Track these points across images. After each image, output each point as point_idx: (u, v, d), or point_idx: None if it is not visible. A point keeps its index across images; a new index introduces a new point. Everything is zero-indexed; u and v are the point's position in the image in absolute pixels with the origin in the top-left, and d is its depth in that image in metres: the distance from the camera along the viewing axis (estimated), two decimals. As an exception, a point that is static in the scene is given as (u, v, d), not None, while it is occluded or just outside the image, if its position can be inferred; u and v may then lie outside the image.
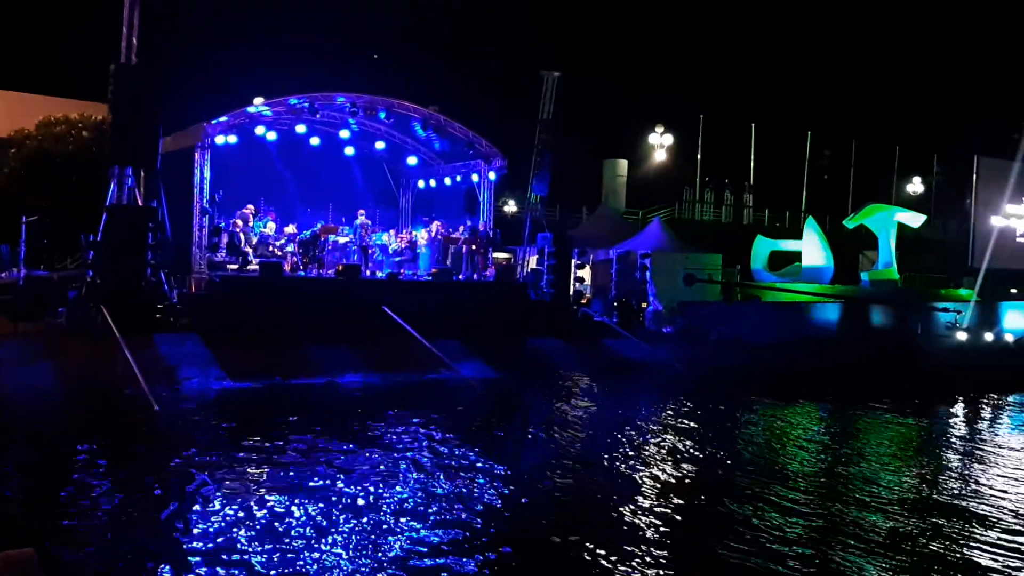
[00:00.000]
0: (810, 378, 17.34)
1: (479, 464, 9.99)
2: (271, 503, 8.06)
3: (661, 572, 6.67)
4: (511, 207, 29.85)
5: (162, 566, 6.38)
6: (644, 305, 23.19)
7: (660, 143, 35.74)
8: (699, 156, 35.77)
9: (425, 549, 6.95)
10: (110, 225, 16.24)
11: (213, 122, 18.47)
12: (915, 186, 38.77)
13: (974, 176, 25.92)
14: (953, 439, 13.47)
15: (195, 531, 7.22)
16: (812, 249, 24.59)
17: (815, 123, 37.61)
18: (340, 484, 8.81)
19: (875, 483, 9.88)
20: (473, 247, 22.12)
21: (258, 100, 19.54)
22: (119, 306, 15.04)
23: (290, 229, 20.63)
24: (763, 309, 21.84)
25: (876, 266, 23.98)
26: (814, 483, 9.92)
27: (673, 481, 9.67)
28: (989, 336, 20.17)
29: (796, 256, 25.25)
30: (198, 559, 6.54)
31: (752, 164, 36.74)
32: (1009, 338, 20.20)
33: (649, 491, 9.11)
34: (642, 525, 7.86)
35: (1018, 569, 7.14)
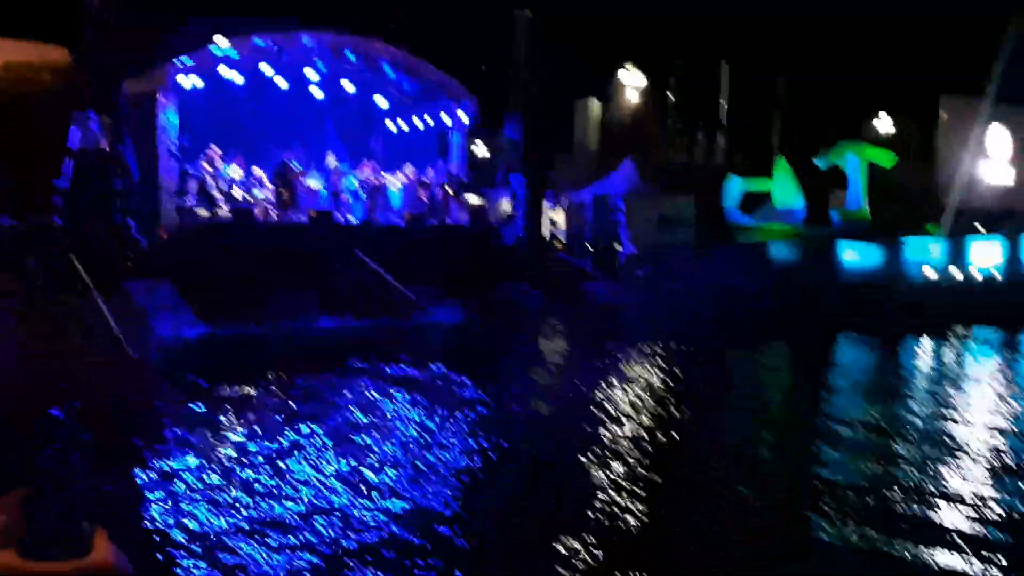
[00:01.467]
0: (780, 317, 17.55)
1: (452, 408, 10.05)
2: (242, 450, 8.08)
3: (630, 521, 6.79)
4: (483, 150, 29.59)
5: (136, 510, 6.40)
6: (618, 248, 23.27)
7: (633, 83, 35.46)
8: (671, 96, 35.57)
9: (394, 505, 7.00)
10: (76, 172, 15.91)
11: (177, 64, 18.02)
12: (884, 125, 38.93)
13: (940, 114, 26.08)
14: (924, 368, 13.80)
15: (169, 476, 7.23)
16: (783, 189, 24.71)
17: (785, 62, 37.51)
18: (313, 430, 8.84)
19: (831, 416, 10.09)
20: (446, 191, 21.95)
21: (222, 40, 19.04)
22: (89, 254, 14.82)
23: (259, 173, 20.30)
24: (734, 251, 22.01)
25: (847, 205, 24.16)
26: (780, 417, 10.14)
27: (638, 425, 9.80)
28: (957, 271, 20.59)
29: (768, 197, 25.36)
30: (172, 503, 6.56)
31: (724, 104, 36.63)
32: (977, 273, 20.63)
33: (610, 433, 9.23)
34: (611, 473, 7.98)
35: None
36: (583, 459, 7.91)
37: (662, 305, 18.87)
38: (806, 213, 23.67)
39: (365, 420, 9.34)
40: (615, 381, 11.98)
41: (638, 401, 10.70)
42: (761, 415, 10.49)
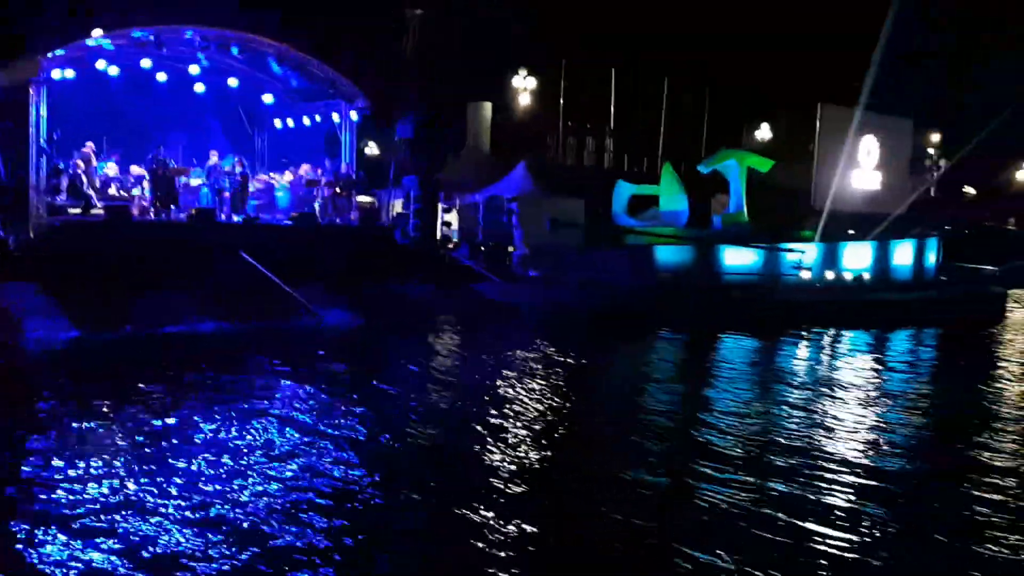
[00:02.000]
0: (662, 315, 18.09)
1: (340, 412, 9.93)
2: (121, 457, 7.77)
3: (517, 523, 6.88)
4: (374, 149, 29.25)
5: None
6: (510, 249, 23.40)
7: (524, 86, 35.77)
8: (562, 101, 36.05)
9: (280, 504, 6.89)
10: (-68, 166, 14.91)
11: (49, 55, 17.12)
12: (764, 132, 40.54)
13: (817, 122, 27.38)
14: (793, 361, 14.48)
15: (48, 485, 6.90)
16: (669, 193, 25.39)
17: (672, 70, 38.56)
18: (193, 434, 8.58)
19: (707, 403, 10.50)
20: (336, 190, 21.58)
21: (97, 32, 18.17)
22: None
23: (136, 170, 19.50)
24: (621, 253, 22.50)
25: (728, 209, 25.02)
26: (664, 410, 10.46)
27: (534, 421, 9.93)
28: (830, 274, 21.59)
29: (654, 200, 26.01)
30: (49, 512, 6.27)
31: (612, 110, 37.37)
32: (848, 276, 21.69)
33: (509, 432, 9.33)
34: (504, 467, 8.06)
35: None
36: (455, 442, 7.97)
37: (551, 304, 19.15)
38: (689, 216, 24.41)
39: (240, 424, 9.11)
40: (503, 376, 12.10)
41: (521, 392, 10.83)
42: (631, 402, 10.91)
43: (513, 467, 7.91)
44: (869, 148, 27.25)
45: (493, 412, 10.07)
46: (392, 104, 23.80)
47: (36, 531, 6.03)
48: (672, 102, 38.51)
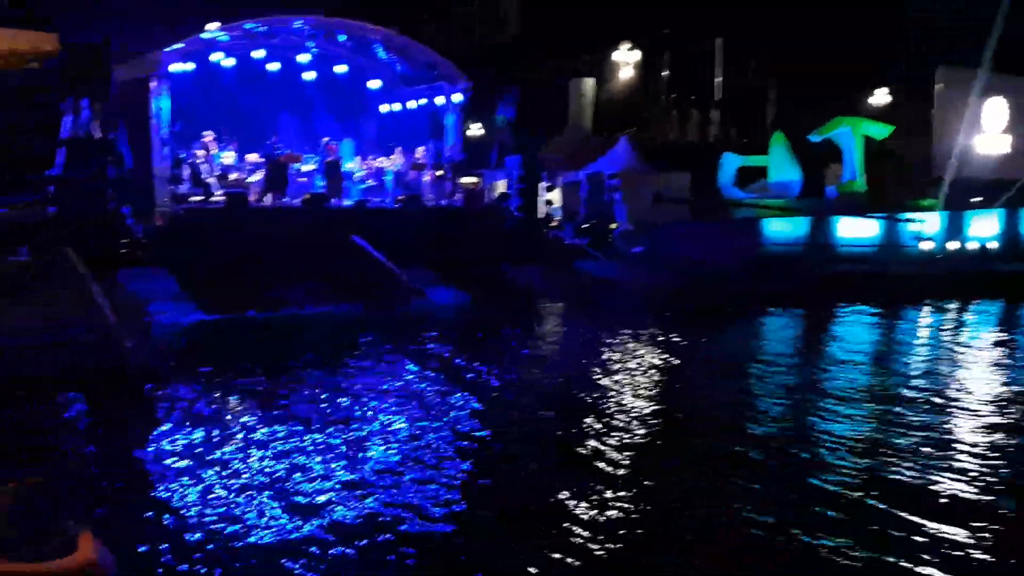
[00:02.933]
0: (774, 291, 17.62)
1: (454, 391, 10.08)
2: (246, 435, 8.11)
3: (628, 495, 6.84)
4: (477, 130, 29.47)
5: (144, 498, 6.45)
6: (613, 226, 23.21)
7: (626, 60, 35.28)
8: (666, 73, 35.41)
9: (397, 487, 7.04)
10: (68, 159, 15.82)
11: (168, 50, 17.91)
12: (879, 98, 38.75)
13: (936, 86, 25.96)
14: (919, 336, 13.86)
15: (175, 463, 7.27)
16: (779, 164, 24.63)
17: (780, 36, 37.27)
18: (313, 415, 8.87)
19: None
20: (440, 172, 21.88)
21: (212, 25, 18.92)
22: (83, 242, 14.76)
23: (252, 158, 20.24)
24: (729, 227, 21.97)
25: (842, 179, 24.11)
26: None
27: (649, 399, 9.84)
28: (954, 245, 20.56)
29: (763, 172, 25.29)
30: (177, 489, 6.60)
31: (718, 80, 36.48)
32: (973, 246, 20.58)
33: (620, 411, 9.28)
34: (614, 443, 8.03)
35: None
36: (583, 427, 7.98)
37: (657, 281, 18.90)
38: (802, 187, 23.63)
39: (362, 402, 9.37)
40: (612, 355, 12.06)
41: (636, 373, 10.75)
42: (743, 380, 10.65)
43: (620, 442, 7.88)
44: (996, 111, 25.65)
45: (603, 390, 10.04)
46: (494, 85, 23.91)
47: (198, 495, 6.36)
48: (780, 70, 37.27)
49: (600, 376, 10.78)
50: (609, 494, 6.50)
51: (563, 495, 6.45)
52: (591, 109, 31.96)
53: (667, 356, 12.33)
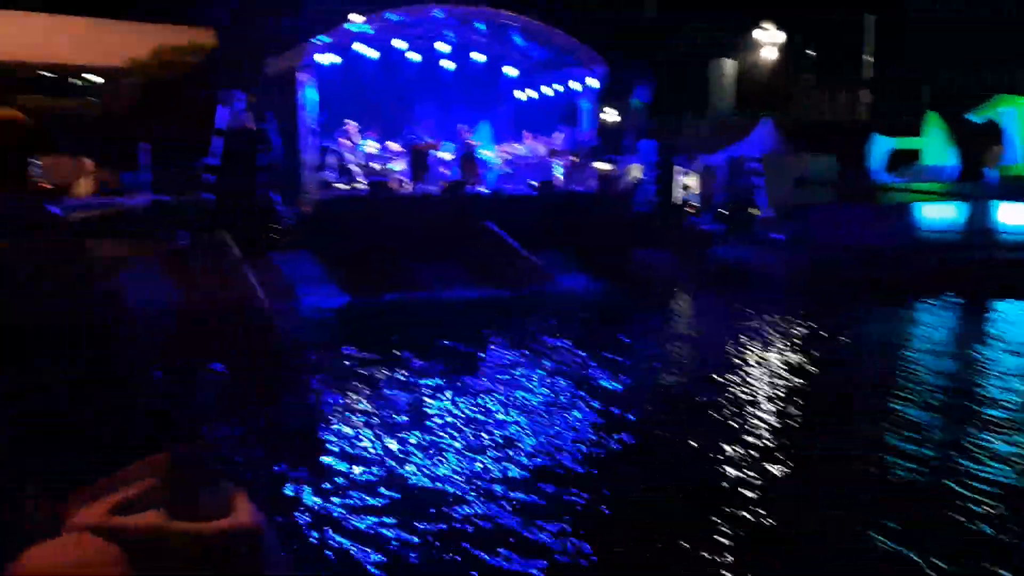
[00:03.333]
0: (928, 280, 16.65)
1: (589, 378, 10.05)
2: (390, 415, 8.36)
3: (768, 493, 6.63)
4: (613, 115, 29.20)
5: (289, 470, 6.75)
6: (754, 211, 22.54)
7: (770, 40, 34.07)
8: (811, 52, 33.98)
9: (527, 474, 7.08)
10: (223, 149, 16.76)
11: (315, 42, 18.62)
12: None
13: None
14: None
15: (320, 439, 7.58)
16: (934, 146, 23.25)
17: (934, 11, 35.03)
18: (455, 398, 9.05)
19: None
20: (575, 158, 21.83)
21: (355, 16, 19.53)
22: (237, 227, 15.62)
23: (393, 146, 20.80)
24: (879, 212, 20.91)
25: (1004, 161, 22.49)
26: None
27: (793, 401, 9.51)
28: None
29: (916, 155, 23.95)
30: (324, 464, 6.88)
31: (868, 59, 34.71)
32: None
33: (766, 411, 9.00)
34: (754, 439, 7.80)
35: None
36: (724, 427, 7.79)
37: (800, 268, 18.21)
38: (959, 171, 22.20)
39: (507, 386, 9.48)
40: (757, 348, 11.70)
41: (784, 369, 10.40)
42: (896, 372, 10.03)
43: (771, 433, 7.64)
44: None
45: (746, 380, 9.77)
46: (631, 68, 23.61)
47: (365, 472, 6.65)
48: (935, 45, 35.07)
49: (738, 363, 10.50)
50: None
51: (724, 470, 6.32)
52: (732, 90, 31.09)
53: (813, 345, 11.87)
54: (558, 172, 21.65)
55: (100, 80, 27.62)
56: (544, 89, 23.46)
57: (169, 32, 27.56)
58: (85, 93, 27.36)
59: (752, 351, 11.43)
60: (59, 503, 1.27)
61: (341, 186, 19.28)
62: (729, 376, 9.89)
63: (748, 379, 9.83)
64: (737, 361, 10.78)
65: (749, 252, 19.61)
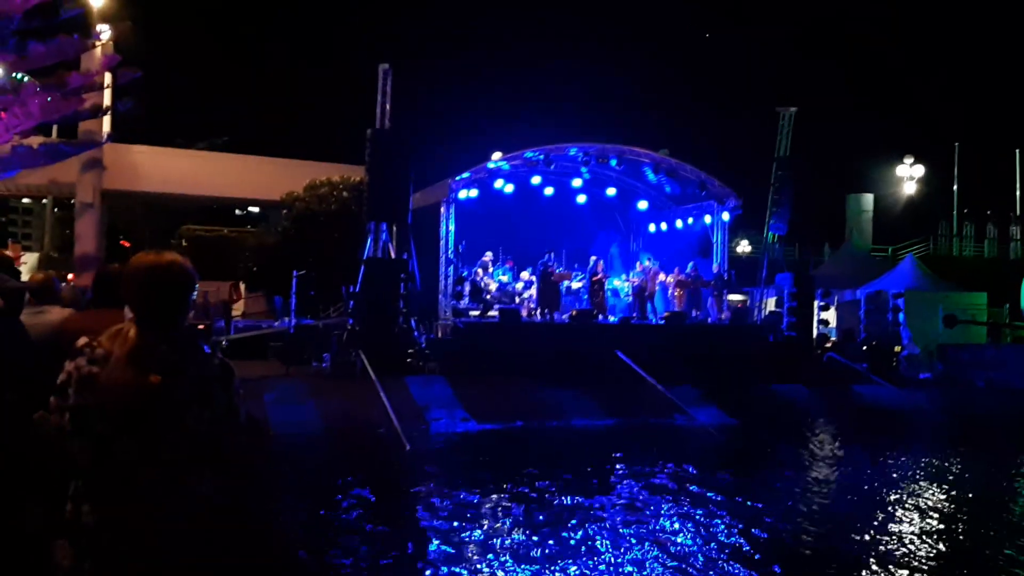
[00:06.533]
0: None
1: (720, 515, 9.70)
2: (513, 539, 8.31)
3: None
4: (745, 247, 29.05)
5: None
6: (897, 349, 21.58)
7: (910, 175, 33.41)
8: (955, 187, 33.04)
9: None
10: (367, 276, 17.71)
11: (457, 178, 19.69)
12: None
13: None
14: None
15: (448, 558, 7.60)
16: (1097, 284, 21.84)
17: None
18: (579, 526, 8.91)
19: None
20: (707, 290, 21.75)
21: (496, 155, 20.60)
22: (375, 351, 16.28)
23: (525, 275, 21.38)
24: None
25: None
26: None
27: (933, 555, 8.85)
28: None
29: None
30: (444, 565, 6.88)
31: (1018, 193, 33.37)
32: None
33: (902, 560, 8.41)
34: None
35: None
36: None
37: (950, 409, 17.15)
38: None
39: (630, 519, 9.28)
40: (895, 490, 11.01)
41: (919, 509, 9.72)
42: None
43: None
44: None
45: (885, 530, 9.18)
46: (763, 202, 23.63)
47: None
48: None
49: (878, 510, 9.88)
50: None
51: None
52: (870, 225, 30.45)
53: (959, 493, 11.05)
54: (690, 304, 21.57)
55: (258, 211, 29.99)
56: (677, 221, 23.73)
57: (322, 169, 29.85)
58: (245, 223, 29.77)
59: (905, 506, 10.75)
60: None
61: (474, 313, 19.87)
62: (879, 535, 9.32)
63: (902, 537, 9.23)
64: (885, 514, 10.16)
65: (895, 392, 18.67)
